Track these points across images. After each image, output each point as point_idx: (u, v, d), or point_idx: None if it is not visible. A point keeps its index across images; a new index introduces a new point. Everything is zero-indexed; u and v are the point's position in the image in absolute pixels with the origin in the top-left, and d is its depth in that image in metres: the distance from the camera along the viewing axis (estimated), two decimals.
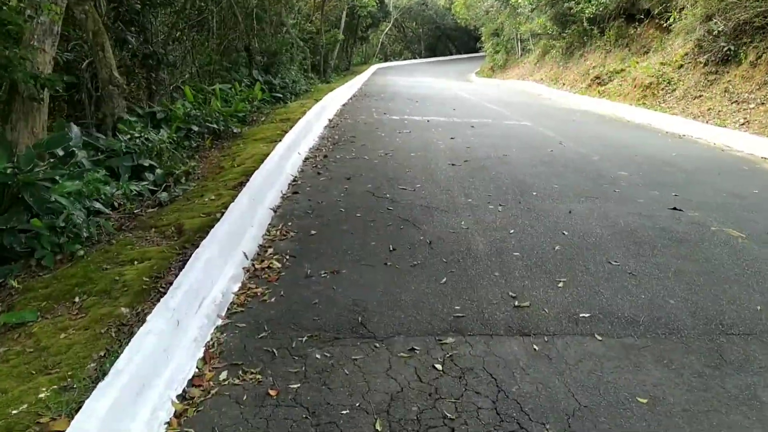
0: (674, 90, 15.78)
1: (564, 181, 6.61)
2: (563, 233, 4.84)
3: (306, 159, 7.50)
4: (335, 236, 4.77)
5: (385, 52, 54.22)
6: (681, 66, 16.40)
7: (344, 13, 32.06)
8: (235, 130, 8.89)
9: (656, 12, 18.83)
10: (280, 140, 7.73)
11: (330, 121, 10.92)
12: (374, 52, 52.06)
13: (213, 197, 5.46)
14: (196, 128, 8.14)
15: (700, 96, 14.17)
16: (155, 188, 5.95)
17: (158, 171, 6.12)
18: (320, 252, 4.46)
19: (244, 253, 4.38)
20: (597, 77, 19.62)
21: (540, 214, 5.33)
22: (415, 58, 55.12)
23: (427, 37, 57.28)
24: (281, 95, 14.04)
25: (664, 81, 16.07)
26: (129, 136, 6.42)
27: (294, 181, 6.43)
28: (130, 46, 8.28)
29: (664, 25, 18.81)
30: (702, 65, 14.93)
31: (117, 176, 5.90)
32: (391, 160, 7.53)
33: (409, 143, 8.75)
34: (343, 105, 13.78)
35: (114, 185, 5.36)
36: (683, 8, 17.41)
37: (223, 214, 4.74)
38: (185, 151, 7.51)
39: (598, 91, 18.57)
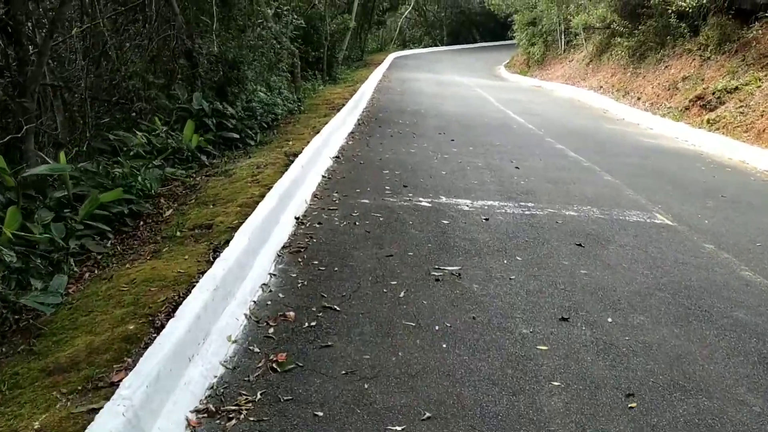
0: None
1: None
2: None
3: None
4: None
5: (403, 38, 48.65)
6: None
7: None
8: (50, 302, 3.62)
9: None
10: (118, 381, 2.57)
11: (297, 223, 5.62)
12: (392, 38, 46.64)
13: None
14: None
15: None
16: None
17: None
18: None
19: None
20: (699, 97, 14.09)
21: None
22: (436, 45, 49.55)
23: (450, 22, 51.51)
24: (239, 135, 8.74)
25: None
26: None
27: None
28: None
29: None
30: None
31: None
32: None
33: (467, 359, 3.48)
34: (335, 158, 8.43)
35: None
36: None
37: None
38: None
39: (707, 120, 13.07)
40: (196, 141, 7.64)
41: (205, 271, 3.92)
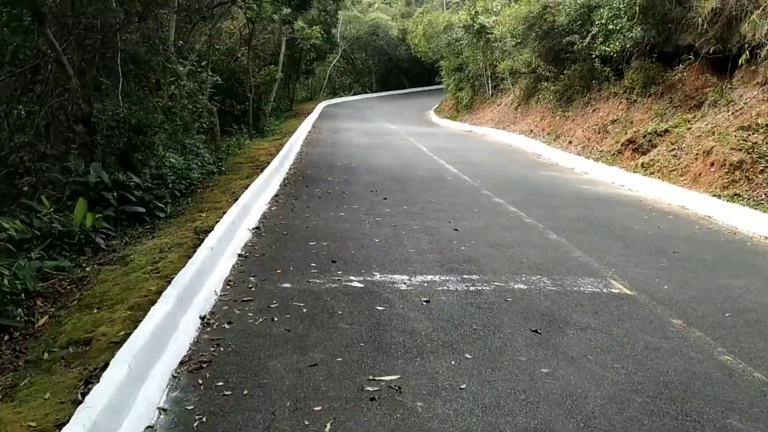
0: None
1: None
2: None
3: None
4: None
5: (333, 86, 48.59)
6: None
7: (283, 46, 26.19)
8: None
9: (711, 50, 13.43)
10: None
11: (202, 325, 4.64)
12: (321, 86, 46.50)
13: None
14: None
15: None
16: None
17: None
18: None
19: None
20: (631, 141, 14.01)
21: None
22: (365, 92, 49.69)
23: (379, 69, 51.86)
24: (145, 208, 7.75)
25: (762, 158, 10.51)
26: None
27: None
28: None
29: (725, 68, 13.46)
30: None
31: None
32: None
33: None
34: (255, 229, 7.49)
35: None
36: (761, 45, 12.03)
37: None
38: None
39: (641, 164, 12.92)
40: (91, 220, 6.61)
41: (66, 423, 2.95)
